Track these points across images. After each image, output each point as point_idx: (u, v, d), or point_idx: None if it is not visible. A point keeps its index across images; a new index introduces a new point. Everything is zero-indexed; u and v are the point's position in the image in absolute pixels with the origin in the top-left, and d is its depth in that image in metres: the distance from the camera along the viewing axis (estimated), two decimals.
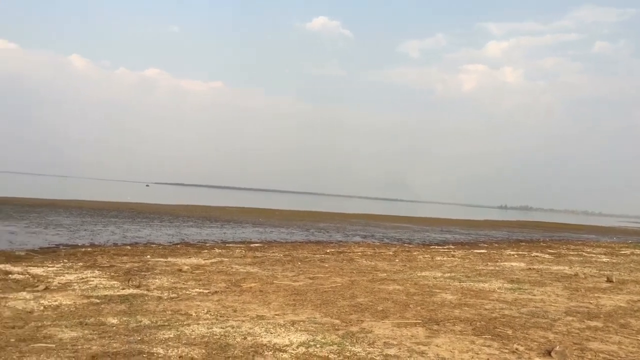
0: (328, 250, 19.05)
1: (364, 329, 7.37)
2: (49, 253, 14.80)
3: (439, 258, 17.95)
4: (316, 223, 38.22)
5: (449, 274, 13.65)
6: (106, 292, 9.14)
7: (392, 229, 37.22)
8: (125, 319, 7.28)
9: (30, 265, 11.84)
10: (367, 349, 6.35)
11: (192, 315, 7.75)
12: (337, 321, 7.76)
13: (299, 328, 7.20)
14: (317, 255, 17.09)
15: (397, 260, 16.86)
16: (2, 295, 8.51)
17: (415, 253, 19.65)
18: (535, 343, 7.05)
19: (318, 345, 6.36)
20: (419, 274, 13.43)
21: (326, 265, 14.51)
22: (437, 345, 6.70)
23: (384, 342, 6.69)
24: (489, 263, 17.10)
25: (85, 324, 6.90)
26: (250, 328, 7.04)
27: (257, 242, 21.58)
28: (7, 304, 7.92)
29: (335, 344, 6.48)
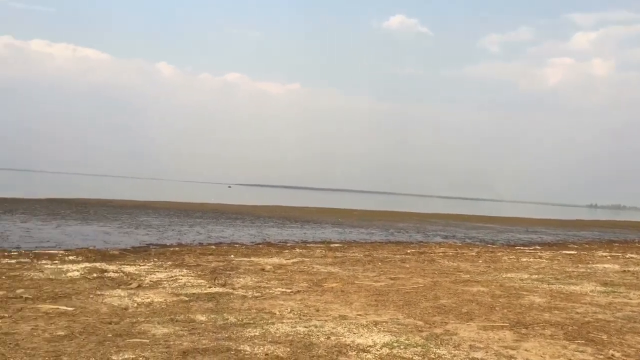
0: (408, 251, 18.85)
1: (449, 331, 7.24)
2: (141, 252, 15.53)
3: (524, 259, 17.34)
4: (395, 223, 37.94)
5: (536, 276, 13.16)
6: (194, 290, 9.47)
7: (473, 229, 36.35)
8: (212, 316, 7.51)
9: (123, 264, 12.46)
10: (453, 351, 6.23)
11: (276, 314, 7.90)
12: (421, 322, 7.66)
13: (382, 329, 7.17)
14: (398, 256, 16.96)
15: (480, 261, 16.44)
16: (99, 292, 9.01)
17: (499, 254, 19.09)
18: (632, 349, 6.66)
19: (402, 347, 6.30)
20: (504, 276, 13.04)
21: (407, 266, 14.37)
22: (526, 350, 6.47)
23: (470, 345, 6.54)
24: (579, 265, 16.34)
25: (176, 321, 7.18)
26: (333, 328, 7.08)
27: (337, 242, 21.68)
28: (103, 301, 8.38)
29: (420, 345, 6.40)
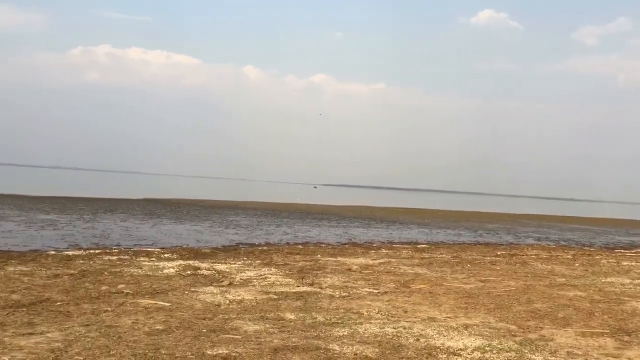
0: (498, 253, 18.28)
1: (544, 336, 6.96)
2: (231, 251, 16.01)
3: (626, 263, 16.35)
4: (484, 224, 36.90)
5: (639, 281, 12.38)
6: (282, 289, 9.65)
7: (568, 231, 34.72)
8: (301, 315, 7.62)
9: (215, 262, 12.90)
10: (549, 358, 5.98)
11: (363, 314, 7.90)
12: (514, 327, 7.41)
13: (473, 332, 7.00)
14: (487, 258, 16.48)
15: (576, 264, 15.67)
16: (193, 289, 9.38)
17: (597, 257, 18.11)
18: None
19: (494, 351, 6.12)
20: (603, 280, 12.35)
21: (497, 268, 13.94)
22: (629, 358, 6.11)
23: (567, 352, 6.25)
24: None
25: (266, 318, 7.35)
26: (422, 329, 6.99)
27: (423, 243, 21.39)
28: (198, 297, 8.72)
29: (513, 350, 6.19)
